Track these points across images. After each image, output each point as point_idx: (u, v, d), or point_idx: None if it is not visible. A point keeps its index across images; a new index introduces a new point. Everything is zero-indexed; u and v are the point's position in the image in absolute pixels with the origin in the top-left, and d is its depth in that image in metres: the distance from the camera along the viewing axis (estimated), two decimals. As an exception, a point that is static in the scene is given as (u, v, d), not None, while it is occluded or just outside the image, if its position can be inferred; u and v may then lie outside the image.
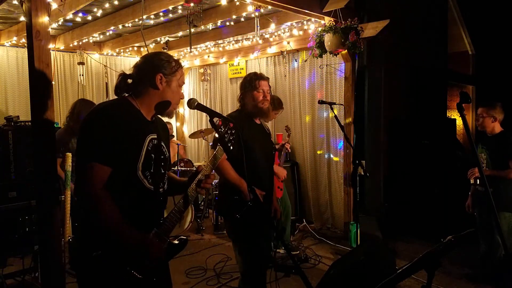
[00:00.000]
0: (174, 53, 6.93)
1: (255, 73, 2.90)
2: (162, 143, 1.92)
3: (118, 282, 1.72)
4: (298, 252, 4.57)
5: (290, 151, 5.78)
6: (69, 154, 3.12)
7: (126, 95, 1.86)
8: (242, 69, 6.78)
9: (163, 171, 1.90)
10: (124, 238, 1.69)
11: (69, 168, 3.07)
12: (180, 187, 2.03)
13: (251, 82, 2.83)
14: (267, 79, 2.90)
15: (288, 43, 5.63)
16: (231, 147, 1.98)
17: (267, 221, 2.67)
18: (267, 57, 6.36)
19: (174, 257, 1.92)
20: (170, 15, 4.78)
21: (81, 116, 3.94)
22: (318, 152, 5.73)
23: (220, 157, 2.04)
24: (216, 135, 1.95)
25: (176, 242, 1.92)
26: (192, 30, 4.49)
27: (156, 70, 1.80)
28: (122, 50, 6.56)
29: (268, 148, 2.96)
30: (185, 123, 8.03)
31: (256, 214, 2.58)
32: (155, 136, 1.85)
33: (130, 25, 4.99)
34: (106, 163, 1.66)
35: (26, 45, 2.87)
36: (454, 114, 8.36)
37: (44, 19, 2.79)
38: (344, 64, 5.12)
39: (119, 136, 1.68)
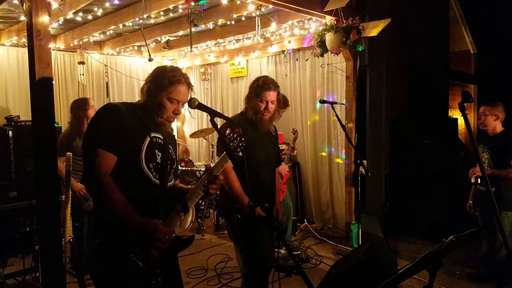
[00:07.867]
0: (174, 52, 6.93)
1: (264, 81, 2.71)
2: (170, 146, 2.03)
3: (120, 270, 1.77)
4: (299, 252, 4.56)
5: (296, 154, 5.76)
6: (70, 154, 3.10)
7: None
8: (243, 68, 6.77)
9: (168, 169, 1.97)
10: (130, 221, 1.75)
11: (69, 168, 3.06)
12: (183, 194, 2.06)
13: (257, 89, 2.69)
14: (275, 89, 2.71)
15: (289, 42, 5.61)
16: (240, 153, 2.00)
17: (268, 222, 2.62)
18: (268, 56, 6.35)
19: (180, 251, 1.96)
20: (171, 14, 4.77)
21: (73, 113, 4.06)
22: (320, 153, 5.70)
23: (225, 164, 2.01)
24: (220, 137, 1.98)
25: (183, 237, 1.96)
26: (193, 29, 4.47)
27: (148, 81, 1.96)
28: (122, 50, 6.55)
29: (273, 150, 2.90)
30: (185, 122, 8.02)
31: (256, 215, 2.52)
32: (159, 136, 1.96)
33: (130, 24, 4.97)
34: (110, 150, 1.77)
35: (26, 44, 2.86)
36: (456, 114, 8.34)
37: (44, 18, 2.78)
38: (345, 63, 5.10)
39: (122, 127, 1.82)
